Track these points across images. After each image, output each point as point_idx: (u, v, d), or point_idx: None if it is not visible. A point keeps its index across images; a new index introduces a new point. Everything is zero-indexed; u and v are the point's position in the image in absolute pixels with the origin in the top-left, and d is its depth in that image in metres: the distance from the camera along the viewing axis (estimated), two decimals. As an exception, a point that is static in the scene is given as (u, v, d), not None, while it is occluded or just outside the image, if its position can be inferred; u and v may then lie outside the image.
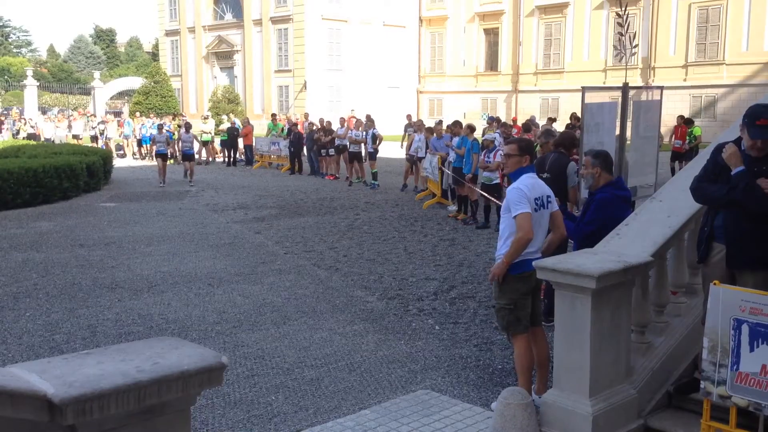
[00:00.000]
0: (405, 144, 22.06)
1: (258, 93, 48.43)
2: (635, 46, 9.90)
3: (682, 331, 5.14)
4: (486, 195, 13.25)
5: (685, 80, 36.87)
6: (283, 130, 26.56)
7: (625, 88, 8.05)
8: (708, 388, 4.04)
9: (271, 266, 10.19)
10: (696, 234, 5.02)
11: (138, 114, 36.10)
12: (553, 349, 4.83)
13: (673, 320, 5.25)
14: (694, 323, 5.05)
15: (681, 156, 19.84)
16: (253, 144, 27.19)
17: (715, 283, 4.06)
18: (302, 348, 6.88)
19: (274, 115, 31.28)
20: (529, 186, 5.05)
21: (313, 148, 23.48)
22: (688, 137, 20.15)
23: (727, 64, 36.05)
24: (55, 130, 33.64)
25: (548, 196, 5.15)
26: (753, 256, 4.45)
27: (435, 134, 17.22)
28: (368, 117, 22.72)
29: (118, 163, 26.16)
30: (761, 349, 3.83)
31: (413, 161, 18.96)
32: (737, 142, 4.61)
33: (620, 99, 7.96)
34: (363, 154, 21.09)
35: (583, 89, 8.04)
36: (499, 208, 7.03)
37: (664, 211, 5.15)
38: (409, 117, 27.74)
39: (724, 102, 35.87)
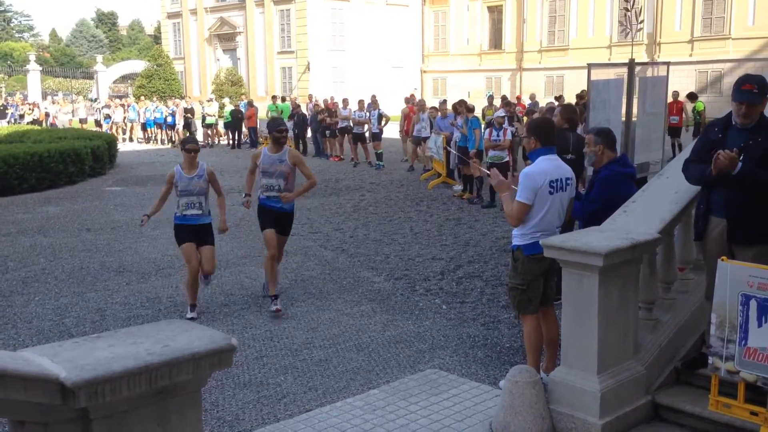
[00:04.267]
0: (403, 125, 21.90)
1: (261, 75, 48.25)
2: (641, 22, 9.80)
3: (690, 308, 5.13)
4: (488, 173, 13.17)
5: (690, 55, 36.56)
6: (282, 112, 26.45)
7: (631, 65, 7.98)
8: (716, 364, 4.04)
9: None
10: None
11: (142, 97, 36.03)
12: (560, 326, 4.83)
13: (681, 296, 5.25)
14: (701, 299, 5.04)
15: (678, 132, 19.69)
16: (257, 126, 27.13)
17: (723, 259, 4.05)
18: (310, 329, 6.91)
19: (274, 97, 31.19)
20: (542, 170, 4.98)
21: (318, 130, 23.42)
22: (692, 113, 19.99)
23: (733, 39, 35.71)
24: (59, 114, 33.61)
25: (567, 179, 5.08)
26: (752, 230, 4.46)
27: (440, 114, 17.14)
28: (373, 97, 22.63)
29: (122, 147, 26.17)
30: (769, 324, 3.82)
31: (418, 142, 18.91)
32: (728, 115, 4.60)
33: (626, 75, 7.89)
34: (367, 135, 21.03)
35: (589, 66, 7.97)
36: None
37: (670, 187, 5.12)
38: (412, 97, 27.60)
39: (730, 77, 35.48)
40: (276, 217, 7.45)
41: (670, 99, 20.46)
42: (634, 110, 8.08)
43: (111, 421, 2.17)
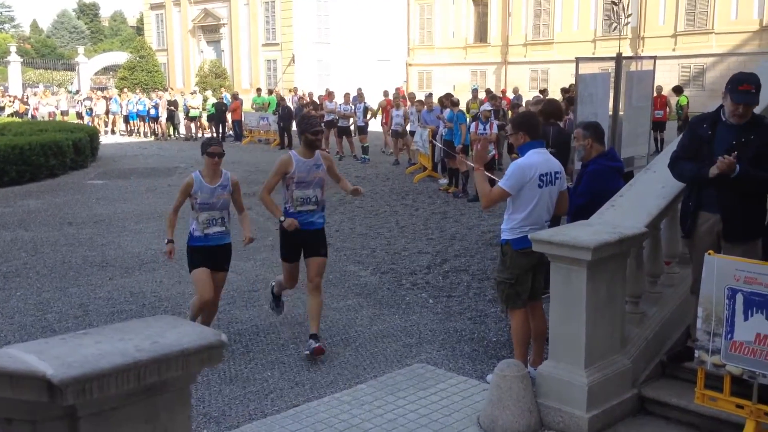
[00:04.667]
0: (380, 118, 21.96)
1: (245, 67, 47.96)
2: (629, 16, 9.83)
3: (675, 301, 5.17)
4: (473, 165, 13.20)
5: (674, 50, 36.78)
6: (268, 105, 26.31)
7: (618, 59, 8.01)
8: (702, 357, 4.07)
9: (263, 242, 10.14)
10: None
11: (125, 90, 35.68)
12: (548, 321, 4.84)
13: (667, 290, 5.28)
14: (687, 293, 5.07)
15: (662, 126, 19.82)
16: (242, 119, 26.96)
17: (710, 253, 4.07)
18: (297, 324, 6.88)
19: (259, 90, 31.04)
20: (532, 163, 4.98)
21: (303, 123, 23.28)
22: (676, 107, 20.13)
23: (716, 33, 35.95)
24: (40, 107, 33.21)
25: (556, 173, 5.09)
26: (742, 227, 4.50)
27: (426, 107, 17.14)
28: (359, 91, 22.56)
29: (105, 140, 25.92)
30: (756, 317, 3.86)
31: (397, 135, 19.04)
32: (717, 111, 4.62)
33: (614, 69, 7.91)
34: (352, 128, 20.98)
35: (577, 60, 8.00)
36: (491, 181, 7.00)
37: (657, 181, 5.14)
38: (400, 90, 27.57)
39: (712, 71, 35.81)
40: (306, 238, 5.98)
41: (654, 94, 20.60)
42: (621, 104, 8.11)
43: (99, 418, 2.13)
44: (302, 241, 6.01)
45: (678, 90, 20.74)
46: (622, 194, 5.15)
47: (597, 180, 5.35)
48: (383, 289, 8.00)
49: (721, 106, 4.61)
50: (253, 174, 17.80)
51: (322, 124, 22.18)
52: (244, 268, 8.83)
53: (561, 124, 7.91)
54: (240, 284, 8.23)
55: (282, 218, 5.96)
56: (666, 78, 29.91)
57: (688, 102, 20.49)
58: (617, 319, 4.66)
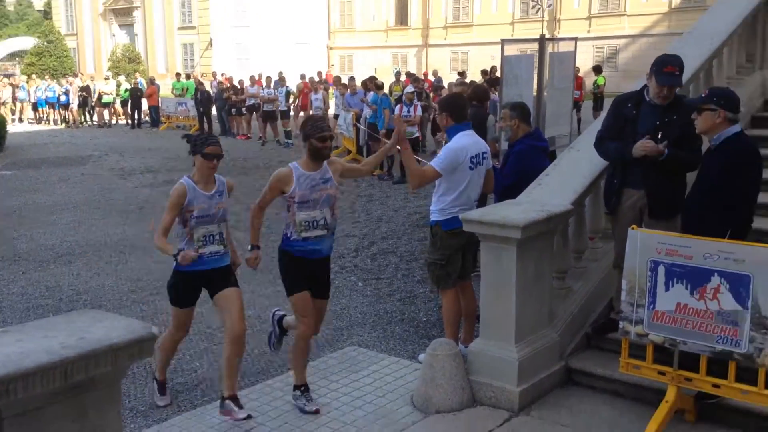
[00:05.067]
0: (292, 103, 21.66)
1: (161, 51, 46.50)
2: (551, -1, 10.03)
3: (599, 275, 5.33)
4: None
5: (588, 32, 37.84)
6: (187, 89, 25.61)
7: (542, 40, 8.16)
8: (626, 328, 4.21)
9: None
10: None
11: (33, 76, 34.01)
12: (479, 299, 4.90)
13: (591, 265, 5.44)
14: (610, 267, 5.23)
15: (578, 106, 20.39)
16: (159, 104, 26.14)
17: (633, 228, 4.20)
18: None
19: (178, 74, 30.19)
20: (463, 146, 5.01)
21: (224, 108, 22.83)
22: (593, 86, 20.72)
23: (628, 15, 37.21)
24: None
25: (484, 153, 5.15)
26: (666, 203, 4.66)
27: (349, 90, 17.05)
28: (280, 75, 22.24)
29: (12, 128, 24.67)
30: (676, 288, 4.01)
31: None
32: (641, 91, 4.75)
33: (537, 51, 8.06)
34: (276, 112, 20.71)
35: (503, 42, 8.11)
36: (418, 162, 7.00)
37: (582, 160, 5.28)
38: (322, 74, 27.35)
39: (625, 52, 37.10)
40: (314, 270, 4.77)
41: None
42: (544, 85, 8.27)
43: (24, 418, 2.02)
44: (308, 273, 4.71)
45: (597, 70, 21.36)
46: (548, 173, 5.25)
47: (524, 160, 5.44)
48: (312, 273, 7.92)
49: (645, 86, 4.74)
50: (173, 161, 17.30)
51: (235, 107, 21.74)
52: (168, 258, 8.57)
53: (484, 106, 8.05)
54: (163, 273, 7.96)
55: (251, 249, 4.84)
56: (582, 59, 30.72)
57: (605, 82, 21.15)
58: (545, 294, 4.77)
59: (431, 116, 15.63)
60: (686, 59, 4.90)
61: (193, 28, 44.84)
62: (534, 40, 8.24)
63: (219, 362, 5.59)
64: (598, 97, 20.30)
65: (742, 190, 4.23)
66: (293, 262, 4.69)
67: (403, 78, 22.11)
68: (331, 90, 20.10)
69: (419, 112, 13.54)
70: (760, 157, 4.36)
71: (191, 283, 4.82)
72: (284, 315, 5.25)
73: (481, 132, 6.83)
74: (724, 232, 4.15)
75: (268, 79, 21.58)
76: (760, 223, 4.80)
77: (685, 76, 4.99)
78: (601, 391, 4.71)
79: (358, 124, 15.66)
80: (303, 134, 4.68)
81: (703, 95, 4.46)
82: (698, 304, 3.94)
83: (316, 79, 23.63)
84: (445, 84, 20.42)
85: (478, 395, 4.60)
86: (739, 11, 6.92)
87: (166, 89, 29.36)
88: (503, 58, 7.76)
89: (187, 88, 25.75)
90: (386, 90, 17.32)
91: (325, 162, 4.67)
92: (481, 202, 5.87)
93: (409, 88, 14.98)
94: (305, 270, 4.69)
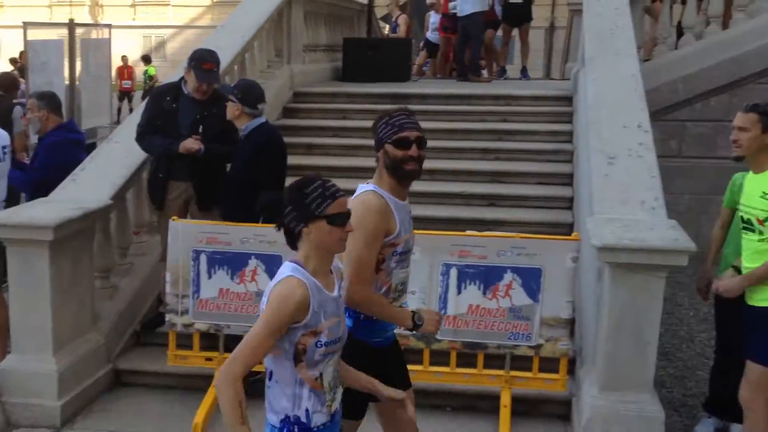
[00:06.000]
0: None
1: None
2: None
3: (147, 270, 5.25)
4: None
5: (134, 19, 37.03)
6: None
7: (71, 25, 7.67)
8: (173, 320, 4.23)
9: None
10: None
11: None
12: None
13: (138, 260, 5.32)
14: (158, 260, 5.19)
15: (130, 96, 20.06)
16: None
17: (174, 219, 4.23)
18: None
19: None
20: None
21: None
22: (144, 76, 20.46)
23: (173, 6, 37.48)
24: None
25: (3, 147, 4.69)
26: (212, 195, 4.74)
27: None
28: None
29: None
30: (218, 275, 4.15)
31: None
32: (179, 83, 4.79)
33: (67, 37, 7.55)
34: None
35: (25, 25, 7.43)
36: None
37: (121, 152, 5.12)
38: None
39: (172, 42, 37.23)
40: (389, 356, 3.00)
41: (120, 63, 20.42)
42: (78, 73, 7.79)
43: None
44: (384, 369, 2.82)
45: (147, 59, 21.09)
46: (83, 167, 4.95)
47: (55, 153, 5.02)
48: None
49: (183, 78, 4.75)
50: None
51: None
52: None
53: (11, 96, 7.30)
54: None
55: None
56: (130, 48, 29.98)
57: (156, 72, 20.99)
58: (87, 296, 4.52)
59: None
60: (221, 52, 5.09)
61: None
62: (63, 24, 7.72)
63: None
64: (151, 88, 20.10)
65: (268, 174, 4.42)
66: (369, 359, 2.78)
67: None
68: None
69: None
70: (283, 143, 4.66)
71: None
72: None
73: (7, 125, 6.21)
74: (256, 214, 4.35)
75: None
76: (421, 210, 4.87)
77: (221, 69, 5.17)
78: (153, 387, 4.65)
79: None
80: (376, 139, 2.85)
81: (232, 86, 4.68)
82: (239, 288, 4.14)
83: None
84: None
85: (13, 418, 4.13)
86: (266, 7, 7.39)
87: None
88: (27, 42, 7.12)
89: None
90: None
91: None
92: (13, 201, 5.31)
93: None
94: (380, 364, 2.82)
